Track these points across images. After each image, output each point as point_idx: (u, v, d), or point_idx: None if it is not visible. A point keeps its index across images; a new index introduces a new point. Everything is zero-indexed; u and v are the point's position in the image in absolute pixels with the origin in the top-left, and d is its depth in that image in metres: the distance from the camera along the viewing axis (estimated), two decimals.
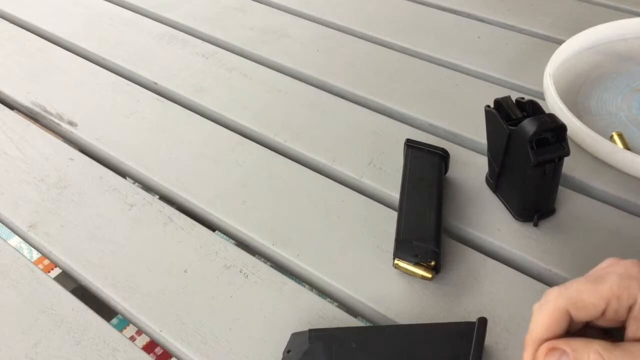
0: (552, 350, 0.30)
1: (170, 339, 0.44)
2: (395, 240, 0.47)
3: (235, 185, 0.56)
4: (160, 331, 0.45)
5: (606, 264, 0.31)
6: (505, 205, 0.52)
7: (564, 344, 0.29)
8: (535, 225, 0.50)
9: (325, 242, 0.50)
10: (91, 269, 0.49)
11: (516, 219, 0.51)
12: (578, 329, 0.31)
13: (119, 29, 0.79)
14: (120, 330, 0.45)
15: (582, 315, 0.30)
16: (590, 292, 0.29)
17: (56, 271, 0.51)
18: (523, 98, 0.49)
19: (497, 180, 0.52)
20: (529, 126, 0.44)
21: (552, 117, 0.45)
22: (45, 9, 0.84)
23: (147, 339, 0.46)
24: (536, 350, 0.30)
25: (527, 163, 0.45)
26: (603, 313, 0.29)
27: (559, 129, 0.45)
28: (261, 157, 0.59)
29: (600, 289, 0.29)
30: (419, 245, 0.46)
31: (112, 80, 0.70)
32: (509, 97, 0.49)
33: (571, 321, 0.30)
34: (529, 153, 0.45)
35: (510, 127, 0.46)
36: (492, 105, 0.48)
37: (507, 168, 0.50)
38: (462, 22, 0.78)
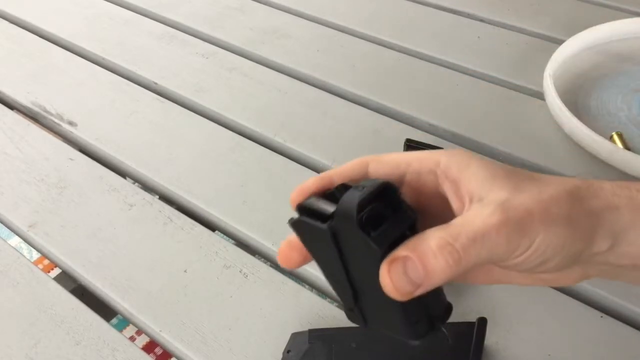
0: (393, 262, 0.26)
1: (170, 339, 0.44)
2: None
3: (235, 185, 0.56)
4: (160, 331, 0.45)
5: None
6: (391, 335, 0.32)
7: (401, 250, 0.26)
8: None
9: None
10: (91, 269, 0.49)
11: (410, 342, 0.31)
12: None
13: (119, 29, 0.79)
14: (120, 330, 0.45)
15: (380, 169, 0.31)
16: (396, 155, 0.31)
17: (56, 271, 0.51)
18: (330, 189, 0.33)
19: (361, 312, 0.33)
20: (346, 207, 0.29)
21: (369, 181, 0.30)
22: (45, 9, 0.84)
23: (147, 339, 0.46)
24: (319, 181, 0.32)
25: (376, 257, 0.28)
26: (404, 177, 0.30)
27: (385, 189, 0.29)
28: (261, 157, 0.59)
29: (406, 154, 0.31)
30: None
31: (112, 80, 0.70)
32: (311, 197, 0.34)
33: (367, 175, 0.31)
34: (367, 241, 0.28)
35: (328, 224, 0.30)
36: (292, 218, 0.32)
37: (360, 286, 0.32)
38: (462, 22, 0.78)
